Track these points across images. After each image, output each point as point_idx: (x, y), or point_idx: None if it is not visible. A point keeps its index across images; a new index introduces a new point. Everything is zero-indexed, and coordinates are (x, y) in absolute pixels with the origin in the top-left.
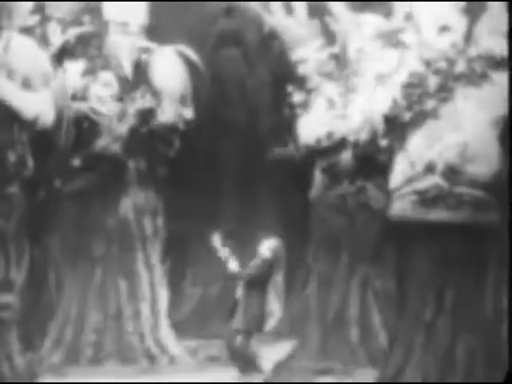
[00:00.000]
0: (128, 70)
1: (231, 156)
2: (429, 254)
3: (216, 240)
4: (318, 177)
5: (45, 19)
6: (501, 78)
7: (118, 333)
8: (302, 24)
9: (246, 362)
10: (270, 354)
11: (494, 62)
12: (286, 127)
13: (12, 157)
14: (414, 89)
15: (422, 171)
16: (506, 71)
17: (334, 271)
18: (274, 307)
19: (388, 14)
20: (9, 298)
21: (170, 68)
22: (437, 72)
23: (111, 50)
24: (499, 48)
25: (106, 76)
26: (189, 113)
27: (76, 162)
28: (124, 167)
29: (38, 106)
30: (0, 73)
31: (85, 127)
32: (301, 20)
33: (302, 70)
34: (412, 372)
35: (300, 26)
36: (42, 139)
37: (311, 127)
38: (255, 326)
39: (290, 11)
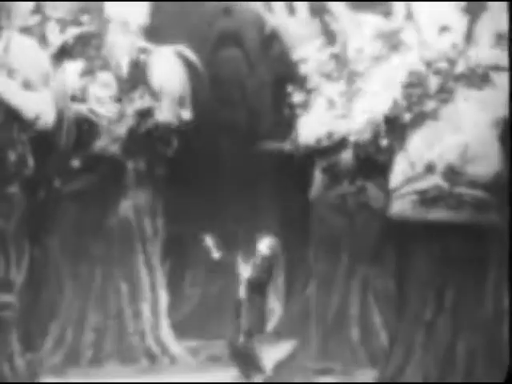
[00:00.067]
0: (126, 69)
1: (231, 156)
2: (429, 254)
3: (209, 241)
4: (318, 177)
5: (44, 19)
6: (501, 78)
7: (119, 333)
8: (303, 24)
9: (247, 362)
10: (271, 354)
11: (494, 63)
12: (286, 127)
13: (12, 156)
14: (414, 89)
15: (422, 172)
16: (507, 72)
17: (334, 271)
18: (275, 306)
19: (388, 14)
20: (9, 298)
21: (168, 68)
22: (437, 72)
23: (110, 50)
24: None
25: (105, 76)
26: (187, 113)
27: (75, 162)
28: (123, 168)
29: (38, 106)
30: (0, 72)
31: (84, 128)
32: (302, 20)
33: (302, 69)
34: (412, 371)
35: (301, 25)
36: (42, 139)
37: (311, 127)
38: (257, 326)
39: (291, 11)
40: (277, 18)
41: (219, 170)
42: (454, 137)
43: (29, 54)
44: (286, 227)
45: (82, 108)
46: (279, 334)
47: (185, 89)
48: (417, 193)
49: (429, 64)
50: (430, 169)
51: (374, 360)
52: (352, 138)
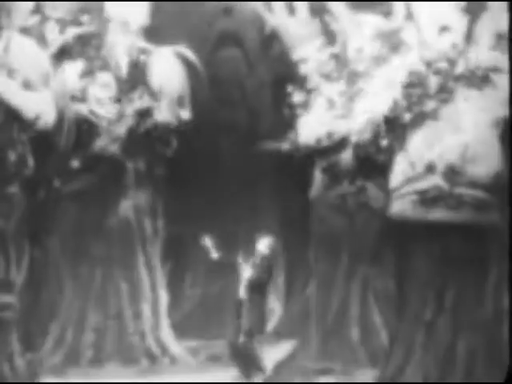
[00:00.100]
0: (125, 69)
1: (231, 156)
2: (429, 254)
3: (207, 242)
4: (318, 177)
5: (44, 19)
6: (501, 79)
7: (119, 333)
8: (303, 24)
9: (248, 362)
10: (271, 354)
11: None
12: (285, 127)
13: (12, 156)
14: (414, 89)
15: (422, 172)
16: (507, 72)
17: (334, 271)
18: (275, 306)
19: (388, 14)
20: (9, 299)
21: (168, 69)
22: (437, 72)
23: (110, 51)
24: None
25: (105, 77)
26: (186, 113)
27: (75, 162)
28: (123, 168)
29: (38, 106)
30: (0, 73)
31: (84, 128)
32: (302, 20)
33: (302, 69)
34: (412, 371)
35: (301, 25)
36: (42, 139)
37: (311, 127)
38: (257, 326)
39: (291, 11)
40: (277, 17)
41: (219, 170)
42: (454, 137)
43: (29, 54)
44: (286, 227)
45: (82, 109)
46: (279, 334)
47: (184, 89)
48: (417, 193)
49: (429, 64)
50: (430, 169)
51: (374, 360)
52: (353, 139)
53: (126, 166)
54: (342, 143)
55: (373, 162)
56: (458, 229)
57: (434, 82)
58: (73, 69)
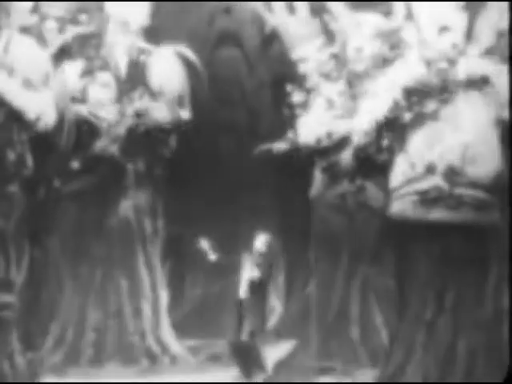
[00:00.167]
0: (125, 69)
1: (231, 156)
2: (429, 254)
3: (204, 244)
4: (318, 176)
5: (43, 18)
6: (501, 78)
7: (119, 333)
8: (303, 23)
9: (250, 361)
10: (271, 353)
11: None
12: (285, 127)
13: (11, 156)
14: (414, 89)
15: (422, 172)
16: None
17: (334, 270)
18: (275, 305)
19: (388, 13)
20: (9, 298)
21: (167, 68)
22: (437, 72)
23: (109, 51)
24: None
25: (105, 77)
26: (186, 113)
27: (75, 163)
28: (123, 168)
29: (39, 107)
30: (1, 72)
31: (84, 129)
32: (302, 19)
33: (302, 69)
34: (413, 371)
35: (301, 25)
36: (41, 139)
37: (311, 127)
38: (259, 326)
39: (291, 10)
40: (277, 17)
41: (219, 170)
42: (455, 137)
43: (28, 54)
44: (286, 227)
45: (82, 110)
46: (279, 334)
47: (184, 89)
48: (417, 193)
49: (429, 64)
50: (430, 169)
51: (374, 359)
52: (354, 139)
53: (125, 166)
54: (341, 143)
55: (373, 161)
56: (458, 229)
57: (434, 82)
58: (73, 69)
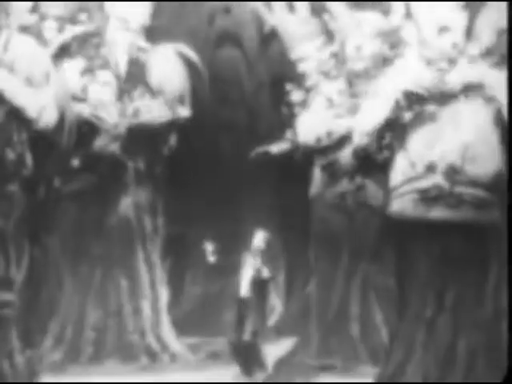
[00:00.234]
0: (125, 68)
1: (230, 155)
2: (429, 253)
3: (208, 246)
4: (318, 175)
5: (42, 18)
6: (501, 77)
7: (119, 331)
8: (303, 22)
9: (251, 359)
10: (272, 351)
11: (495, 61)
12: (285, 126)
13: (11, 155)
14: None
15: (422, 172)
16: (506, 71)
17: (334, 269)
18: (276, 304)
19: (387, 13)
20: (9, 296)
21: (168, 67)
22: (437, 71)
23: (110, 49)
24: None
25: (105, 75)
26: (186, 112)
27: (75, 162)
28: (123, 167)
29: (40, 105)
30: (1, 72)
31: (84, 128)
32: (301, 18)
33: (301, 68)
34: (413, 370)
35: (300, 24)
36: (41, 138)
37: (310, 126)
38: (260, 324)
39: (291, 10)
40: (276, 16)
41: (219, 168)
42: (455, 136)
43: (29, 53)
44: (286, 226)
45: (83, 110)
46: (280, 332)
47: (184, 87)
48: (417, 192)
49: (429, 63)
50: (430, 168)
51: (374, 357)
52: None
53: (126, 164)
54: (341, 142)
55: (373, 160)
56: (459, 228)
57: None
58: (73, 68)
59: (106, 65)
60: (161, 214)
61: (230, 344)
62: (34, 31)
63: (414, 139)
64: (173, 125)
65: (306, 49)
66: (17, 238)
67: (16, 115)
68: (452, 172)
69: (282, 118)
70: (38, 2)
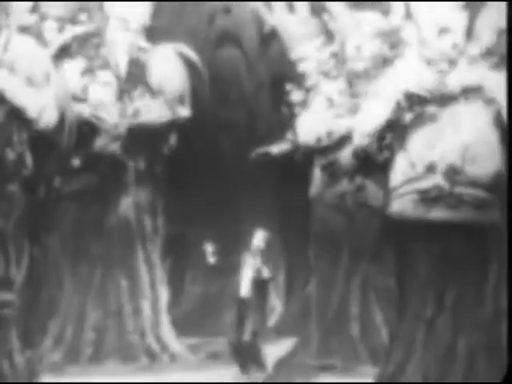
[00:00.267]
0: (125, 68)
1: (230, 155)
2: (429, 253)
3: (208, 247)
4: (318, 175)
5: (42, 18)
6: (501, 78)
7: (119, 331)
8: (303, 22)
9: (251, 360)
10: (272, 351)
11: (495, 62)
12: (285, 126)
13: (11, 155)
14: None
15: (422, 172)
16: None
17: (334, 269)
18: (276, 304)
19: (387, 13)
20: (9, 297)
21: (168, 67)
22: (438, 72)
23: (110, 49)
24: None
25: (105, 75)
26: (186, 111)
27: (76, 162)
28: (123, 167)
29: (40, 105)
30: (2, 72)
31: (85, 128)
32: (301, 18)
33: (301, 68)
34: (413, 369)
35: (301, 24)
36: (41, 138)
37: (310, 126)
38: (260, 325)
39: (291, 10)
40: (276, 16)
41: (219, 168)
42: (455, 137)
43: (29, 54)
44: (286, 226)
45: (83, 111)
46: (280, 332)
47: (184, 87)
48: (417, 192)
49: (429, 64)
50: (430, 169)
51: (374, 357)
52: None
53: (126, 164)
54: (341, 142)
55: (373, 160)
56: (458, 228)
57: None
58: (73, 68)
59: (106, 65)
60: (161, 214)
61: (229, 344)
62: (34, 31)
63: (414, 140)
64: (173, 125)
65: (305, 49)
66: (17, 238)
67: (16, 115)
68: (452, 172)
69: (282, 118)
70: (38, 2)
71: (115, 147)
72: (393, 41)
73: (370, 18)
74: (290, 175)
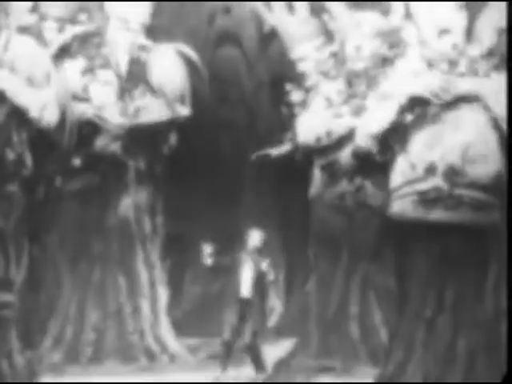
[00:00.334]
0: (126, 67)
1: (230, 155)
2: (429, 254)
3: (206, 248)
4: (317, 175)
5: (42, 18)
6: (501, 78)
7: (118, 331)
8: (303, 22)
9: (251, 360)
10: (271, 352)
11: (495, 62)
12: (284, 126)
13: (11, 155)
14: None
15: (422, 173)
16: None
17: (333, 269)
18: (275, 304)
19: (387, 13)
20: (8, 297)
21: (168, 66)
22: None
23: (110, 49)
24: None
25: (106, 75)
26: (186, 111)
27: (76, 161)
28: (124, 166)
29: (41, 104)
30: (2, 71)
31: (86, 128)
32: (301, 18)
33: (301, 68)
34: (413, 369)
35: (300, 24)
36: (42, 138)
37: (310, 126)
38: (260, 325)
39: (291, 10)
40: (276, 16)
41: (219, 168)
42: (455, 137)
43: (29, 54)
44: (286, 226)
45: (84, 111)
46: (279, 332)
47: (184, 86)
48: (417, 193)
49: (430, 64)
50: (430, 170)
51: (374, 357)
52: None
53: (126, 164)
54: (341, 142)
55: (373, 161)
56: (458, 229)
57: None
58: (74, 67)
59: (106, 64)
60: (160, 214)
61: (224, 344)
62: (34, 31)
63: (414, 141)
64: (173, 124)
65: (305, 49)
66: (16, 238)
67: (17, 115)
68: (452, 173)
69: (282, 118)
70: (38, 2)
71: (116, 147)
72: (392, 41)
73: (370, 18)
74: (290, 175)
